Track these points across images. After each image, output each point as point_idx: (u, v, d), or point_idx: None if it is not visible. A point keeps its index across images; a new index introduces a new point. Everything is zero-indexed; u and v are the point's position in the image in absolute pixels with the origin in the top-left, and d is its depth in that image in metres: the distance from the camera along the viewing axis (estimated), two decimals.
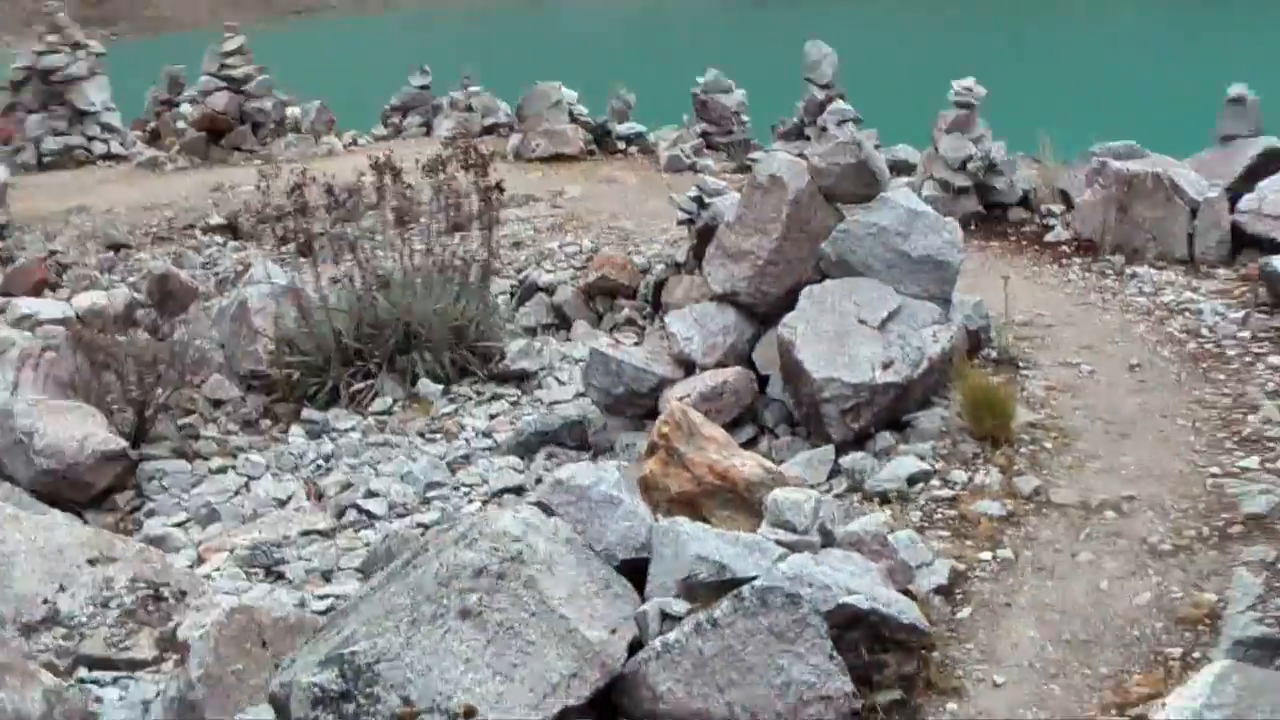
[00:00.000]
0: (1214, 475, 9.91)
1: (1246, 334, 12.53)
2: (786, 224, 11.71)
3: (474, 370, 14.42)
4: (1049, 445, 10.52)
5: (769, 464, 8.46)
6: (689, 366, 11.87)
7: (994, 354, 12.13)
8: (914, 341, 11.02)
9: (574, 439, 12.45)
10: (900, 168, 18.56)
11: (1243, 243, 14.98)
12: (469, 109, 26.97)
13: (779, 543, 7.53)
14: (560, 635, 6.84)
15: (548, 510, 7.60)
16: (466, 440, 13.23)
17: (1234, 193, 15.35)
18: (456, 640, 6.69)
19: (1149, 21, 72.72)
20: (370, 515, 11.81)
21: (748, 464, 8.19)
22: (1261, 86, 16.38)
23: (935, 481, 9.95)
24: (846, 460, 10.42)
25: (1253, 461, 10.08)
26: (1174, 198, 15.01)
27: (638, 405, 11.97)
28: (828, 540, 7.90)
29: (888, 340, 11.02)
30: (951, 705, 7.58)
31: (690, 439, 8.19)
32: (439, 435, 13.41)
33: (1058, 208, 16.97)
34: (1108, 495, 9.70)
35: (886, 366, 10.76)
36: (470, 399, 14.11)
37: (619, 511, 7.59)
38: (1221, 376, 11.72)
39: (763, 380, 11.82)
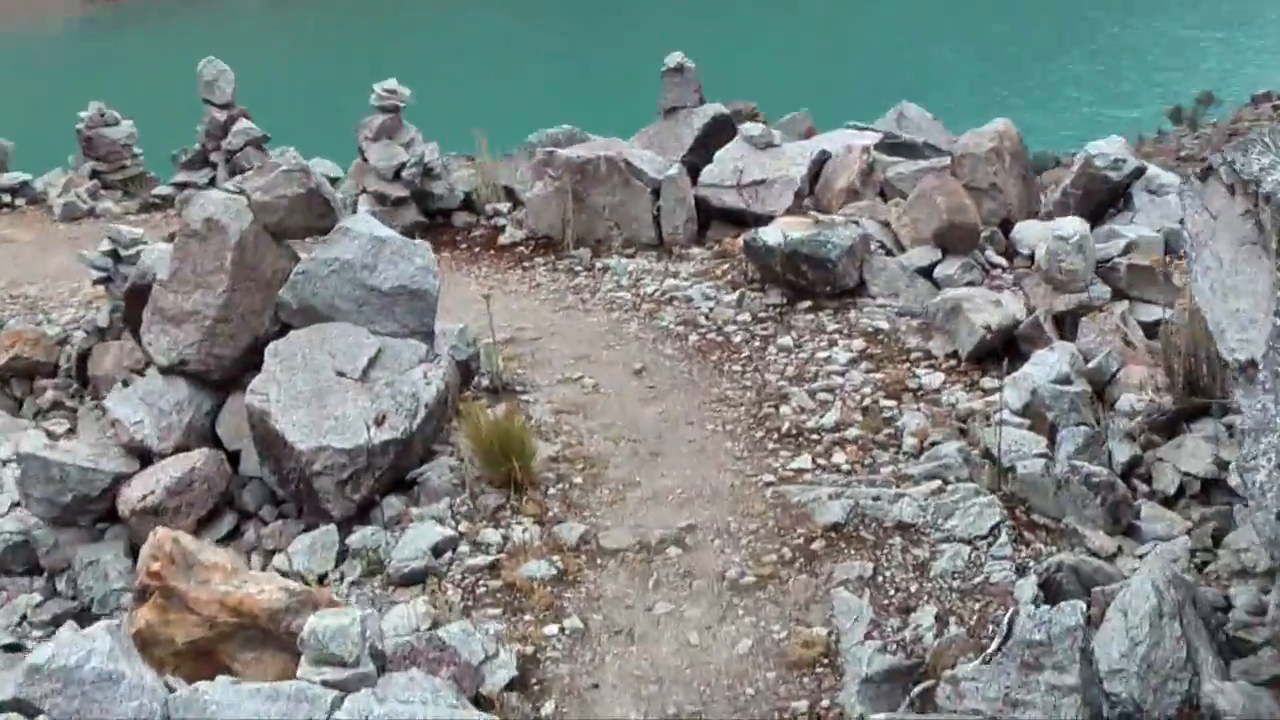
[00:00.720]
0: (770, 483, 8.95)
1: (746, 316, 11.71)
2: (232, 273, 9.99)
3: None
4: (579, 480, 9.29)
5: (291, 583, 6.82)
6: (145, 456, 9.98)
7: (487, 382, 10.79)
8: (405, 388, 9.55)
9: (21, 563, 10.28)
10: None
11: (710, 217, 14.26)
12: None
13: (328, 684, 6.00)
14: None
15: (30, 710, 5.75)
16: None
17: (690, 165, 14.63)
18: None
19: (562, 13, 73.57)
20: None
21: (266, 589, 6.54)
22: (695, 54, 15.78)
23: (465, 548, 8.55)
24: (355, 539, 8.86)
25: (804, 460, 9.20)
26: (632, 180, 14.09)
27: (91, 511, 9.98)
28: (382, 663, 6.41)
29: (375, 391, 9.50)
30: None
31: (189, 571, 6.47)
32: None
33: (504, 206, 15.81)
34: (664, 529, 8.56)
35: (381, 422, 9.24)
36: None
37: (121, 689, 5.86)
38: (736, 368, 10.82)
39: (233, 457, 10.08)
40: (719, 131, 15.40)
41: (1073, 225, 10.33)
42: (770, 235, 11.95)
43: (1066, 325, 10.33)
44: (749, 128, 14.88)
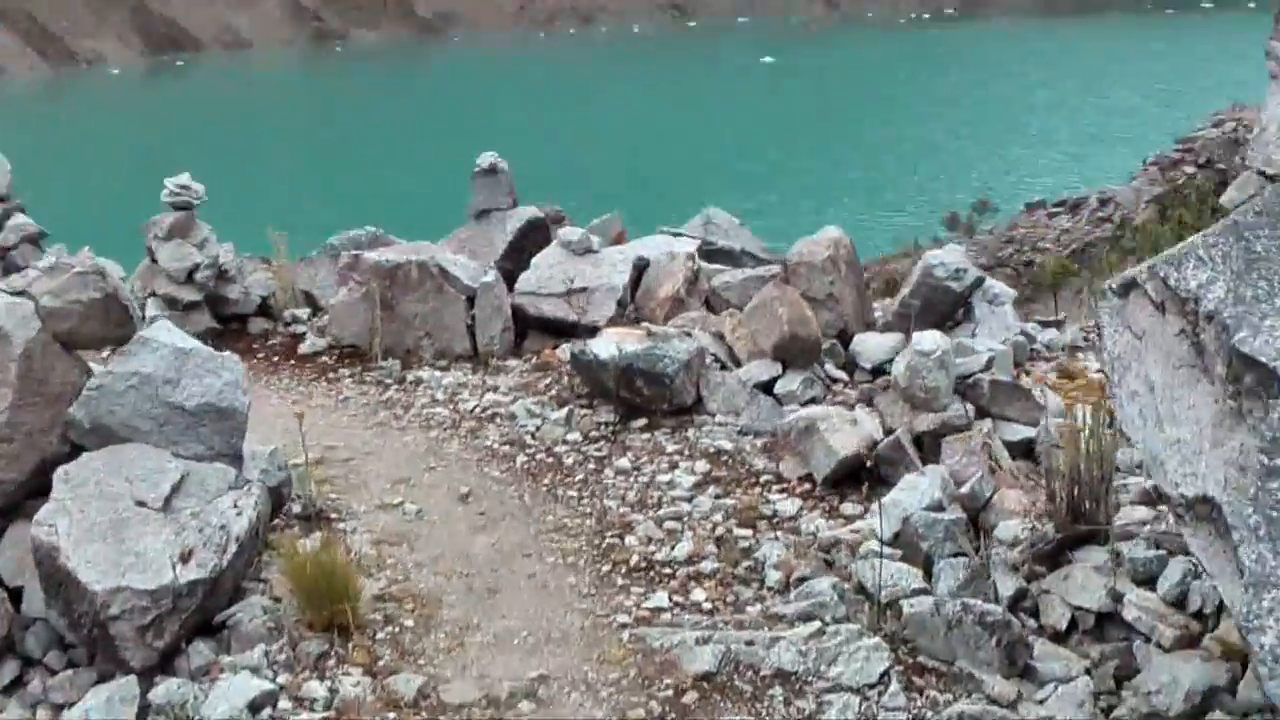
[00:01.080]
0: (625, 625, 8.11)
1: (577, 436, 10.92)
2: (18, 387, 8.83)
3: None
4: (410, 623, 8.34)
5: None
6: None
7: (299, 509, 9.79)
8: (213, 519, 8.51)
9: None
10: None
11: (526, 326, 13.48)
12: None
13: None
14: None
15: None
16: None
17: (505, 271, 13.86)
18: None
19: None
20: None
21: None
22: (509, 156, 15.04)
23: (286, 703, 7.53)
24: (159, 692, 7.76)
25: (660, 598, 8.39)
26: (445, 286, 13.26)
27: None
28: None
29: (180, 523, 8.44)
30: None
31: None
32: None
33: (304, 312, 14.87)
34: (512, 680, 7.64)
35: (187, 559, 8.20)
36: None
37: None
38: (572, 493, 10.01)
39: (15, 595, 8.90)
40: (534, 236, 14.69)
41: (933, 340, 9.74)
42: (602, 348, 11.21)
43: (927, 446, 9.74)
44: (567, 233, 14.17)
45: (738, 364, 11.67)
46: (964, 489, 8.78)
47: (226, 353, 9.44)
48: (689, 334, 11.77)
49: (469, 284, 13.28)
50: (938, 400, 9.69)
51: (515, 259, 14.37)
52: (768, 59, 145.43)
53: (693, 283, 13.55)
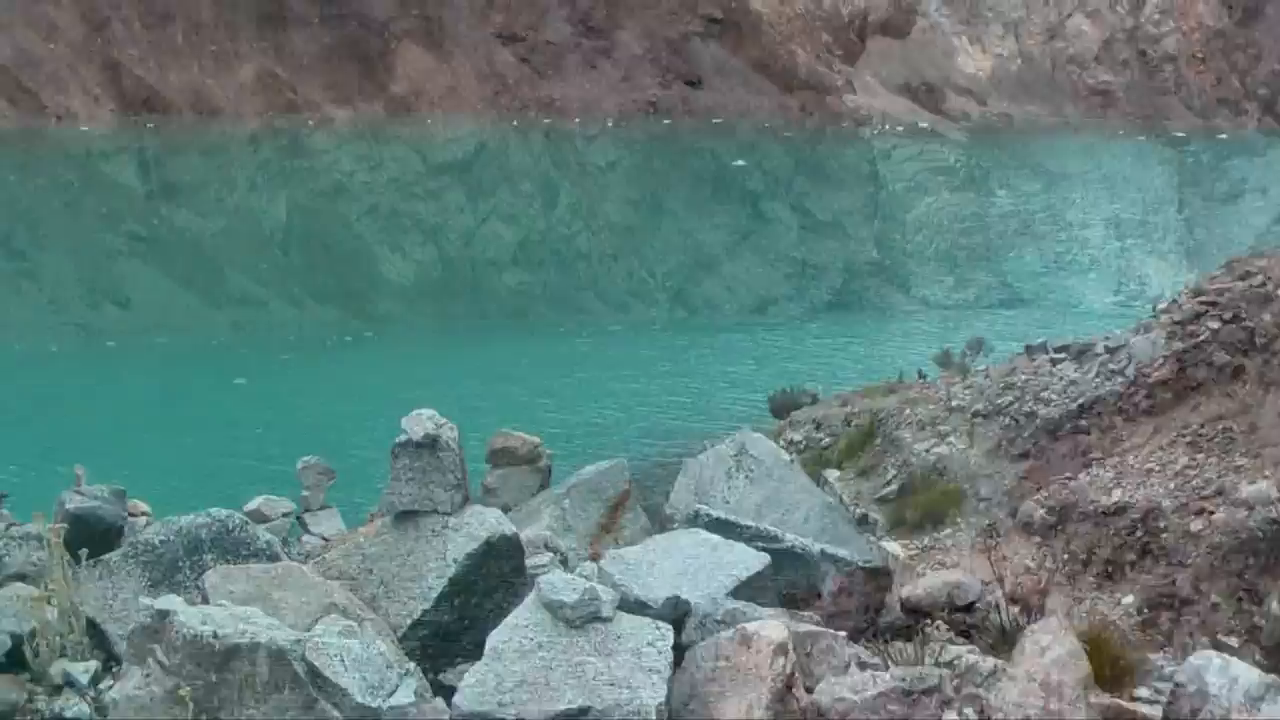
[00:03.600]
0: None
1: None
2: None
3: None
4: None
5: None
6: None
7: None
8: None
9: None
10: None
11: None
12: None
13: None
14: None
15: None
16: None
17: (436, 631, 7.58)
18: None
19: None
20: None
21: None
22: None
23: None
24: None
25: None
26: (320, 702, 6.80)
27: None
28: None
29: None
30: None
31: None
32: None
33: (86, 668, 8.39)
34: None
35: None
36: None
37: None
38: None
39: None
40: (494, 566, 8.31)
41: None
42: None
43: None
44: (555, 584, 7.50)
45: None
46: None
47: None
48: None
49: (364, 702, 6.84)
50: None
51: (460, 610, 8.03)
52: (740, 162, 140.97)
53: (782, 696, 7.26)
